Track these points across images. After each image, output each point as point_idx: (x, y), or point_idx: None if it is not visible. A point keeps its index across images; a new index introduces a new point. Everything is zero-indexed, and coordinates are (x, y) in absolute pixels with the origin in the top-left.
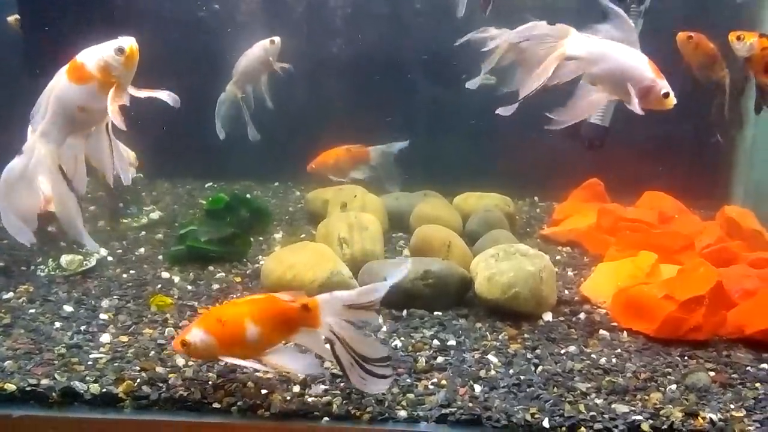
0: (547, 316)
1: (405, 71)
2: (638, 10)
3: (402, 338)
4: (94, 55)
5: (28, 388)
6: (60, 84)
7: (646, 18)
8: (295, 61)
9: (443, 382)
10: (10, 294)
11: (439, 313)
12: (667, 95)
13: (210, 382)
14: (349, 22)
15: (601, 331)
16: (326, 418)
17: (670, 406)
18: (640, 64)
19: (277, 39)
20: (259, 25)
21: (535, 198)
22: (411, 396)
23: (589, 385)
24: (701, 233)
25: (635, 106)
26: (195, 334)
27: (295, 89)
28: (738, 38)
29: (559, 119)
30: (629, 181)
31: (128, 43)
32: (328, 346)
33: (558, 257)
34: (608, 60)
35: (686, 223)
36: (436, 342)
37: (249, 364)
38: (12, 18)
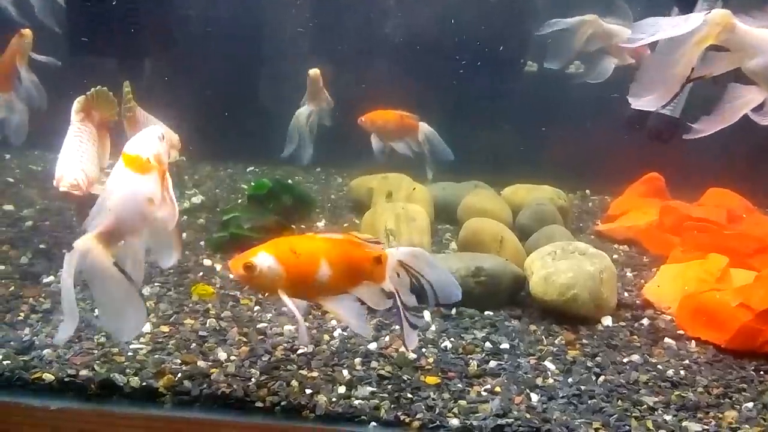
0: (607, 321)
1: (457, 59)
2: None
3: (452, 339)
4: (145, 146)
5: (66, 379)
6: (126, 178)
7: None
8: (342, 46)
9: (497, 389)
10: (51, 278)
11: (491, 313)
12: None
13: (253, 380)
14: (403, 7)
15: (667, 339)
16: (374, 423)
17: (747, 426)
18: None
19: (312, 71)
20: (310, 12)
21: (587, 191)
22: (463, 403)
23: (656, 400)
24: None
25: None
26: (264, 260)
27: (339, 74)
28: None
29: (706, 127)
30: (689, 176)
31: (162, 131)
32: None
33: (615, 256)
34: None
35: (757, 224)
36: (488, 344)
37: (298, 310)
38: None
